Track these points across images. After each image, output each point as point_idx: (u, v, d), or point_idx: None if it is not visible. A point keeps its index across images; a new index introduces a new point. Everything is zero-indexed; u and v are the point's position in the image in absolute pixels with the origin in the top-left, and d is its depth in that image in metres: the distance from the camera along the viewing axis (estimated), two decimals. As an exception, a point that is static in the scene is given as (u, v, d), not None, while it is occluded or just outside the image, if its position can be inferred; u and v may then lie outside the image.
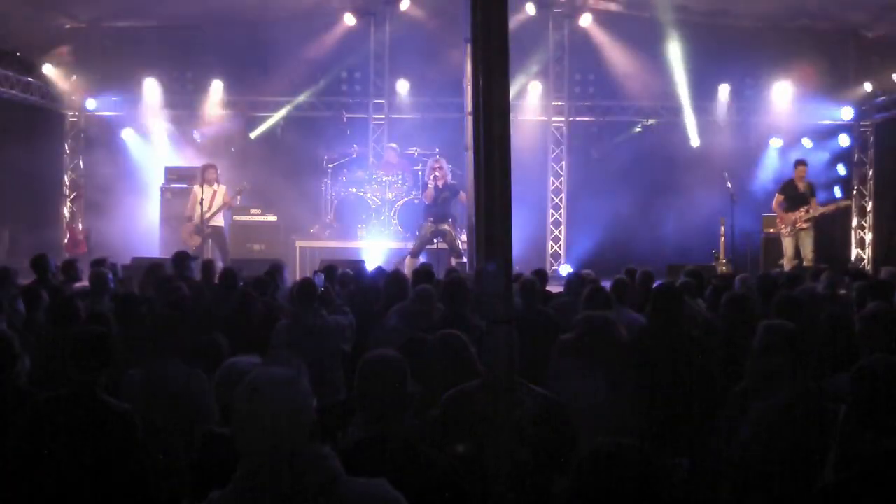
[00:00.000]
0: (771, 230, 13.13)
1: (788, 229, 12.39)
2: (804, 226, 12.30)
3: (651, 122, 15.28)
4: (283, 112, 15.35)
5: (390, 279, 6.94)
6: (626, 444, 2.37)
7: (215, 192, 12.74)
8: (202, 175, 12.84)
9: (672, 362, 4.68)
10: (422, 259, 11.55)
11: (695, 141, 14.97)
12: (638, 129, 15.16)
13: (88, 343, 3.76)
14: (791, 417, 3.48)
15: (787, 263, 12.21)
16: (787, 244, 12.41)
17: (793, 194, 12.44)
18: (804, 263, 12.05)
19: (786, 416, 3.50)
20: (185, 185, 13.74)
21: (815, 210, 12.33)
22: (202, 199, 12.48)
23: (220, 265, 9.85)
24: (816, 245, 12.34)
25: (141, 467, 3.65)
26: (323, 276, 7.22)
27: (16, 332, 4.39)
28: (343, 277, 7.79)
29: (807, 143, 15.06)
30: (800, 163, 12.71)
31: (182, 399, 4.21)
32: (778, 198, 12.61)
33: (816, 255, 12.26)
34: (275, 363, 3.38)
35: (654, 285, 5.81)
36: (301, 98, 15.31)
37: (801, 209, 12.32)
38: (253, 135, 15.41)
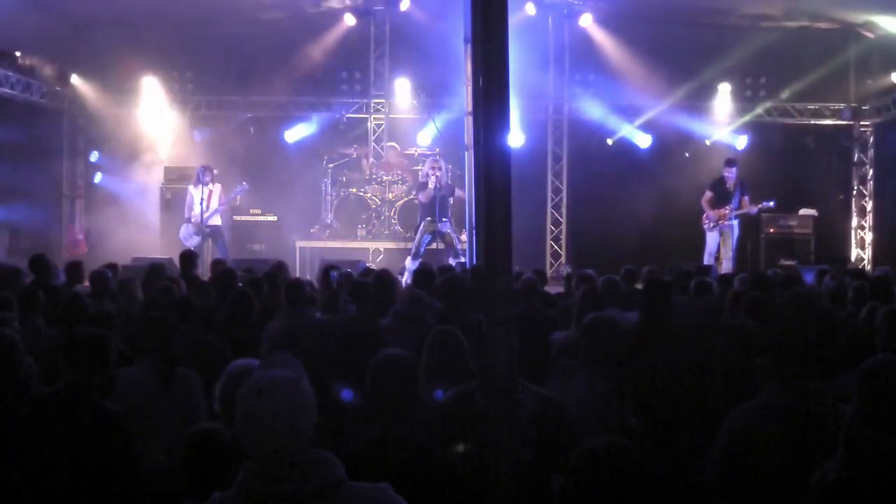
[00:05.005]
0: (707, 224, 13.07)
1: (712, 225, 12.71)
2: (727, 224, 12.54)
3: (650, 120, 15.25)
4: (283, 112, 15.35)
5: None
6: (619, 444, 2.36)
7: (211, 191, 12.77)
8: (198, 176, 12.87)
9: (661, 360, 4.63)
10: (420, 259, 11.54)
11: (707, 140, 14.97)
12: (637, 129, 15.12)
13: (84, 343, 3.74)
14: (767, 419, 3.40)
15: (706, 258, 12.55)
16: (710, 239, 12.75)
17: (721, 192, 12.69)
18: (721, 261, 12.49)
19: (762, 418, 3.41)
20: (184, 185, 13.75)
21: (743, 208, 12.54)
22: (202, 199, 12.50)
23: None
24: (734, 241, 12.58)
25: (129, 470, 3.62)
26: (336, 274, 7.20)
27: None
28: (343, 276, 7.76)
29: (807, 142, 15.05)
30: (728, 162, 12.90)
31: (177, 399, 4.20)
32: (707, 194, 12.86)
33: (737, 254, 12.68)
34: (274, 364, 3.38)
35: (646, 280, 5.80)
36: (301, 98, 15.30)
37: (726, 207, 12.55)
38: (253, 133, 15.39)
